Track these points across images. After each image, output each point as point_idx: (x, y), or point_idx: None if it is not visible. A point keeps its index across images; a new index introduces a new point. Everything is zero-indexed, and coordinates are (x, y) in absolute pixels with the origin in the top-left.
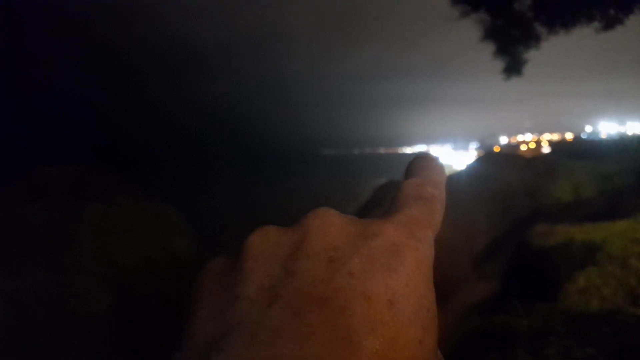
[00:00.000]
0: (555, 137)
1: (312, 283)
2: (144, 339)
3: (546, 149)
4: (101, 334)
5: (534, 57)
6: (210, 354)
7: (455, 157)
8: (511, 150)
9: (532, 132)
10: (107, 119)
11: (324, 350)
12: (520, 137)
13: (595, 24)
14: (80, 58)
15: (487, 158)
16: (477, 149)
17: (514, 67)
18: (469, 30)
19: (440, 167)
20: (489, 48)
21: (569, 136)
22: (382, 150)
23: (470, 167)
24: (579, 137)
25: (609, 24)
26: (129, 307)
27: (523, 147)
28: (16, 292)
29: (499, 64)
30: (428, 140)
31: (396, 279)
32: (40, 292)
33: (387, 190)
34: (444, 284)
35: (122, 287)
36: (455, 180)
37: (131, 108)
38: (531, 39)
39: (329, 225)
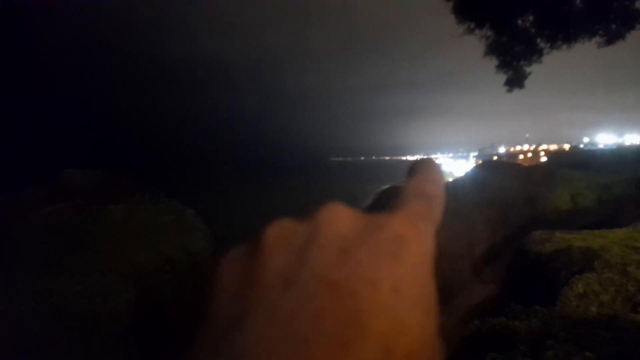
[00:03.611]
0: (553, 147)
1: (324, 270)
2: (163, 335)
3: (544, 159)
4: (123, 331)
5: (535, 70)
6: (232, 332)
7: (456, 166)
8: (509, 159)
9: (531, 144)
10: (131, 126)
11: (334, 331)
12: (519, 148)
13: (597, 39)
14: (102, 68)
15: (485, 165)
16: (476, 158)
17: (516, 81)
18: (472, 46)
19: (439, 169)
20: (491, 62)
21: (567, 147)
22: (386, 158)
23: (468, 174)
24: (577, 147)
25: (611, 40)
26: (149, 305)
27: (521, 157)
28: (42, 291)
29: (501, 77)
30: (430, 149)
31: (400, 267)
32: (64, 291)
33: (389, 194)
34: (445, 288)
35: (143, 286)
36: (455, 187)
37: (156, 116)
38: (534, 54)
39: (339, 217)
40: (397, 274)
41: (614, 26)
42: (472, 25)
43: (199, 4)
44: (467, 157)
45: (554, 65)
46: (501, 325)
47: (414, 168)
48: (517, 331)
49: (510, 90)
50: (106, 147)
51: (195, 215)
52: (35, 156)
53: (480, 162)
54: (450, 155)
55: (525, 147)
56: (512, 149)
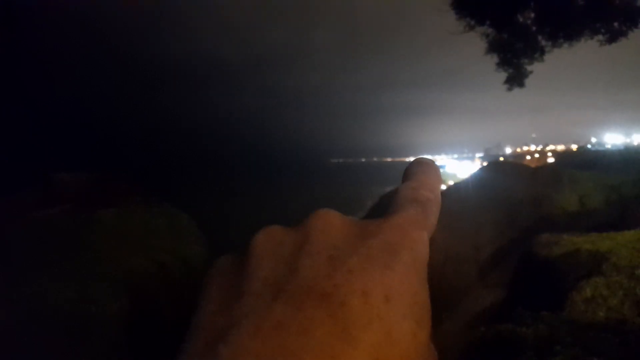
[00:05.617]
0: (560, 148)
1: (314, 279)
2: (155, 342)
3: (551, 159)
4: (115, 337)
5: (541, 68)
6: (217, 344)
7: (461, 167)
8: (516, 160)
9: (537, 144)
10: (122, 126)
11: (323, 343)
12: (525, 148)
13: (599, 37)
14: (98, 66)
15: (491, 167)
16: (482, 158)
17: (516, 79)
18: (476, 43)
19: (436, 171)
20: (495, 60)
21: (574, 147)
22: (389, 159)
23: (474, 176)
24: (584, 147)
25: (613, 37)
26: (141, 311)
27: (528, 157)
28: (32, 296)
29: (504, 76)
30: (434, 149)
31: (392, 276)
32: (55, 297)
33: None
34: (450, 292)
35: (135, 291)
36: (460, 189)
37: (148, 116)
38: (535, 52)
39: (329, 225)
40: (389, 284)
41: (616, 24)
42: (472, 22)
43: (199, 1)
44: (472, 158)
45: (560, 63)
46: (507, 331)
47: (409, 171)
48: (523, 337)
49: (510, 89)
50: (106, 148)
51: (188, 219)
52: (35, 157)
53: (486, 163)
54: (455, 156)
55: (532, 147)
56: (518, 150)
